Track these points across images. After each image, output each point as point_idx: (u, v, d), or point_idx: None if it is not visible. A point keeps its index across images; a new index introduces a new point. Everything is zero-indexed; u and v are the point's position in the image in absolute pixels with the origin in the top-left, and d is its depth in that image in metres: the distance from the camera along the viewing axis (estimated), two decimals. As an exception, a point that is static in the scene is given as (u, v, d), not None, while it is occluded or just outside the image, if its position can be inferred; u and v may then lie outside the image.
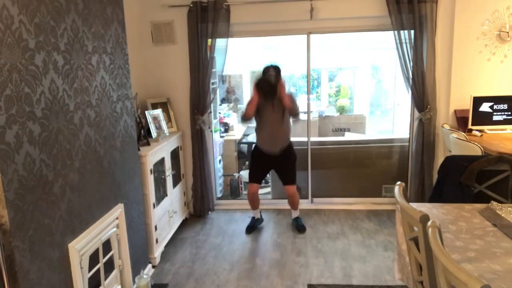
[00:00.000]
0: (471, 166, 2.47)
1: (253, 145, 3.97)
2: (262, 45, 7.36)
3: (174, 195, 3.88)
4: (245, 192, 5.05)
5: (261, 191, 4.07)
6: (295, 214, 4.00)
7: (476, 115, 3.79)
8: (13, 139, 1.63)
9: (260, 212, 4.09)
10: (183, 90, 4.19)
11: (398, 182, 1.95)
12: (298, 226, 3.90)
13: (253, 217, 4.03)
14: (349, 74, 9.06)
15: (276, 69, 3.57)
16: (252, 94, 3.65)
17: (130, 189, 2.80)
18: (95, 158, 2.32)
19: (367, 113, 8.22)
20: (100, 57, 2.40)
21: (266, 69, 3.59)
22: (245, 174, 5.21)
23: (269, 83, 3.54)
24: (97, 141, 2.34)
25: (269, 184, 5.07)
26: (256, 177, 3.87)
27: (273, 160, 3.77)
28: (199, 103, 4.09)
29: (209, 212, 4.40)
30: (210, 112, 4.34)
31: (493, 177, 2.48)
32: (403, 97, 6.27)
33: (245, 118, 3.74)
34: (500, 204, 2.20)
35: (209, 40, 3.98)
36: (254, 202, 3.94)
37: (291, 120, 3.82)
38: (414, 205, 2.10)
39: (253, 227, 3.96)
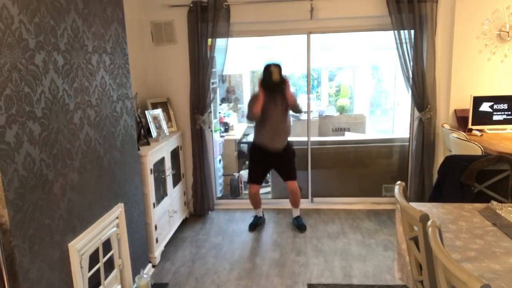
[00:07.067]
0: (471, 165, 2.48)
1: (251, 144, 3.94)
2: (258, 45, 7.35)
3: (174, 194, 3.88)
4: (245, 192, 5.05)
5: (261, 190, 4.07)
6: (296, 213, 3.99)
7: (476, 115, 3.78)
8: (13, 139, 1.63)
9: (263, 211, 4.10)
10: (183, 90, 4.19)
11: (398, 182, 1.95)
12: (299, 226, 3.90)
13: (256, 215, 4.05)
14: (349, 74, 9.05)
15: (278, 67, 3.57)
16: (256, 93, 3.67)
17: (130, 188, 2.80)
18: (95, 157, 2.33)
19: (367, 112, 8.21)
20: (100, 57, 2.40)
21: (268, 67, 3.59)
22: (245, 173, 5.21)
23: (275, 81, 3.56)
24: (97, 141, 2.34)
25: (269, 184, 5.07)
26: (257, 178, 3.89)
27: (272, 157, 3.77)
28: (199, 103, 4.09)
29: (209, 212, 4.40)
30: (210, 111, 4.34)
31: (493, 177, 2.48)
32: (403, 97, 6.27)
33: (251, 118, 3.71)
34: (500, 204, 2.20)
35: (209, 40, 3.98)
36: (256, 202, 3.98)
37: (291, 118, 3.84)
38: (414, 204, 2.09)
39: (256, 225, 3.98)
